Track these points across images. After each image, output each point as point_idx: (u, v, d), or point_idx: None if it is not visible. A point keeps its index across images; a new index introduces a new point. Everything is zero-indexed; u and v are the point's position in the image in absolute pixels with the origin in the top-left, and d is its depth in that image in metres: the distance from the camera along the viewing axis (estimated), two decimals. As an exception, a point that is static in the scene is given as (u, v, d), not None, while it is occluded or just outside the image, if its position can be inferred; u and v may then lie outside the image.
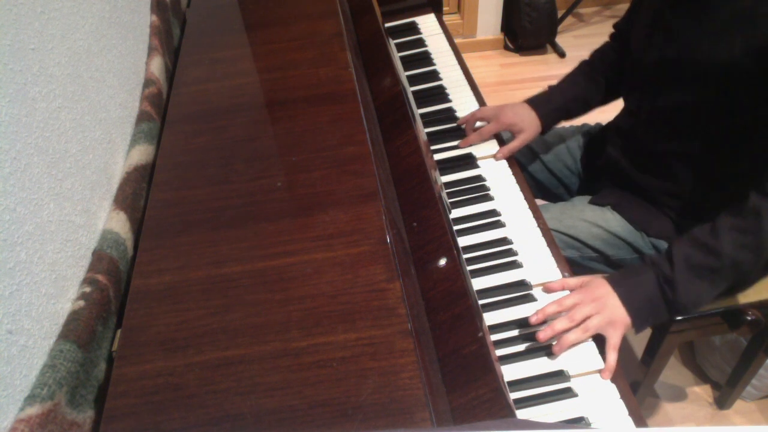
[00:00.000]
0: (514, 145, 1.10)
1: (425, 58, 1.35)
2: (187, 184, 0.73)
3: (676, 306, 0.82)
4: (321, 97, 0.83)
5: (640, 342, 1.57)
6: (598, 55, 1.17)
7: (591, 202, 1.12)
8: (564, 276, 0.88)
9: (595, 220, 1.08)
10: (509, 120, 1.11)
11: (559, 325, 0.79)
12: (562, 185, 1.29)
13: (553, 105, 1.14)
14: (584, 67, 1.17)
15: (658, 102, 0.97)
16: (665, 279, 0.82)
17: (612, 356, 0.78)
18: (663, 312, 0.83)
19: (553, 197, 1.31)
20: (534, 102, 1.15)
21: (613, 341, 0.79)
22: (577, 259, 1.08)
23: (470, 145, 1.12)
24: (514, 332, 0.82)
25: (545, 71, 2.58)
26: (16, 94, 0.56)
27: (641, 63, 0.99)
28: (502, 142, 1.12)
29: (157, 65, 0.91)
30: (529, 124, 1.12)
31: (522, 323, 0.82)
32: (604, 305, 0.81)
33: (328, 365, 0.53)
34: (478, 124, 1.14)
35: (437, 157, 1.10)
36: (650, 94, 0.99)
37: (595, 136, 1.25)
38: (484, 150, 1.11)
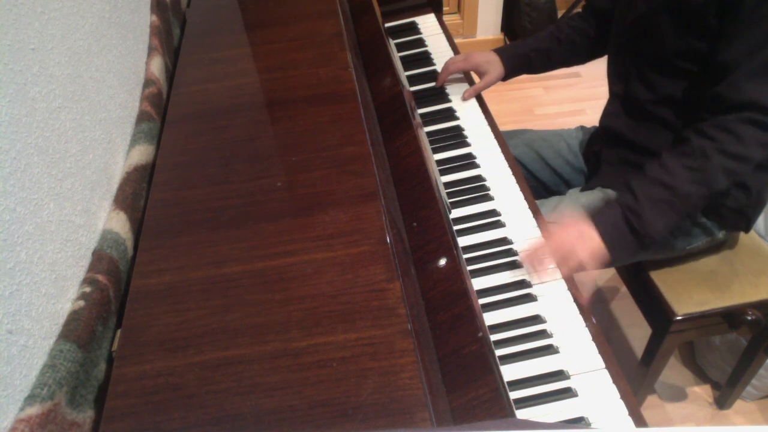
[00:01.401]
0: (478, 86, 1.22)
1: (425, 58, 1.35)
2: (187, 184, 0.73)
3: (642, 235, 0.90)
4: (321, 97, 0.83)
5: (640, 342, 1.57)
6: (566, 20, 1.26)
7: (582, 190, 1.15)
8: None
9: (591, 203, 1.10)
10: (476, 60, 1.23)
11: (538, 270, 0.88)
12: (564, 183, 1.29)
13: (515, 52, 1.25)
14: (551, 28, 1.27)
15: (641, 56, 1.06)
16: (631, 210, 0.90)
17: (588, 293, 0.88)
18: (631, 243, 0.90)
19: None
20: (499, 50, 1.27)
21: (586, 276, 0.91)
22: None
23: (444, 82, 1.25)
24: (514, 332, 0.82)
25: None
26: (16, 94, 0.56)
27: (624, 27, 1.08)
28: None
29: (157, 65, 0.91)
30: (493, 67, 1.24)
31: (522, 323, 0.82)
32: (577, 246, 0.89)
33: (328, 365, 0.53)
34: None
35: (437, 156, 1.10)
36: (633, 52, 1.08)
37: (595, 132, 1.26)
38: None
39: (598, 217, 0.92)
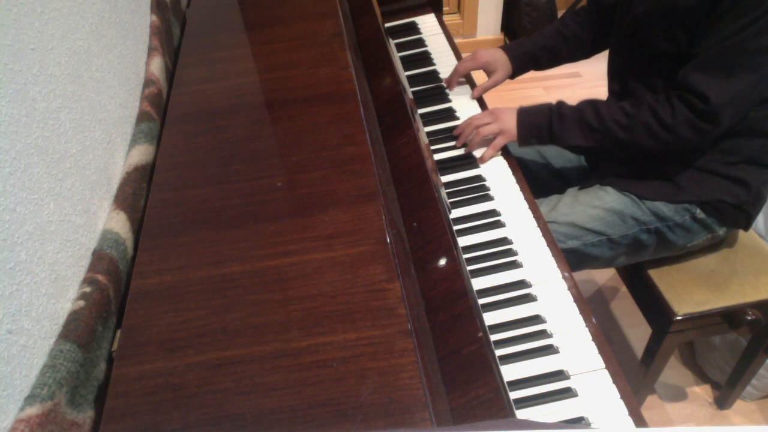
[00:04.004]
0: (487, 84, 1.24)
1: (425, 58, 1.35)
2: (187, 184, 0.73)
3: (554, 136, 1.06)
4: (321, 97, 0.83)
5: (640, 342, 1.57)
6: (572, 15, 1.28)
7: (581, 188, 1.16)
8: (564, 275, 0.88)
9: (589, 201, 1.10)
10: (484, 59, 1.24)
11: (466, 132, 1.08)
12: (566, 182, 1.29)
13: (522, 50, 1.26)
14: (556, 24, 1.28)
15: (637, 55, 1.09)
16: (558, 113, 1.05)
17: (490, 152, 1.07)
18: (545, 135, 1.07)
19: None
20: (506, 47, 1.27)
21: (497, 142, 1.07)
22: (579, 248, 1.09)
23: (451, 87, 1.25)
24: (514, 332, 0.82)
25: (545, 71, 2.58)
26: (16, 94, 0.56)
27: (623, 26, 1.10)
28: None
29: (157, 65, 0.91)
30: (501, 65, 1.25)
31: (522, 323, 0.82)
32: (500, 119, 1.07)
33: (328, 365, 0.53)
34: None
35: (437, 157, 1.11)
36: (630, 51, 1.11)
37: None
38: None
39: (528, 106, 1.08)
